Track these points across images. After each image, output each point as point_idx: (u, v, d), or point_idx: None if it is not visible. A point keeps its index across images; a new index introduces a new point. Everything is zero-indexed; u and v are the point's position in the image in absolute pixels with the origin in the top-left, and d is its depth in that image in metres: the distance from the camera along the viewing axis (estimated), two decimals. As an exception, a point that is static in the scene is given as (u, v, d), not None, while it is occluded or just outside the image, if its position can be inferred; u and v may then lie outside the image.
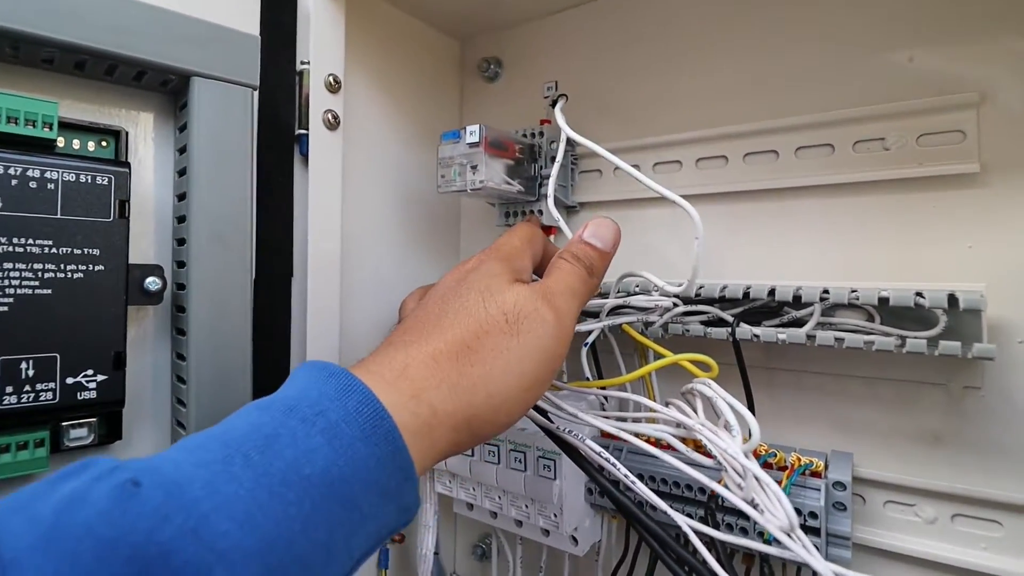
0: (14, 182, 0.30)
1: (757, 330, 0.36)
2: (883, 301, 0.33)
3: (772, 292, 0.36)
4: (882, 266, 0.39)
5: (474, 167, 0.44)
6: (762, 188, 0.43)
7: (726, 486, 0.28)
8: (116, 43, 0.32)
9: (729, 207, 0.45)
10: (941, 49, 0.37)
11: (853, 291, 0.33)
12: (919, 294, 0.32)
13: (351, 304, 0.48)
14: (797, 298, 0.35)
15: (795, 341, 0.35)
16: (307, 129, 0.43)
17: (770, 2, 0.43)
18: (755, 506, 0.25)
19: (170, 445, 0.37)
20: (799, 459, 0.36)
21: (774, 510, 0.25)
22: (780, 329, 0.36)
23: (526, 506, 0.43)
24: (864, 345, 0.33)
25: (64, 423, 0.32)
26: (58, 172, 0.31)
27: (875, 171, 0.39)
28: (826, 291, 0.34)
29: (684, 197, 0.46)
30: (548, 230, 0.51)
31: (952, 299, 0.31)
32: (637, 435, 0.32)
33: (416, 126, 0.56)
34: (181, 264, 0.36)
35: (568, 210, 0.53)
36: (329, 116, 0.44)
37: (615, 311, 0.41)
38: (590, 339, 0.42)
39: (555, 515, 0.41)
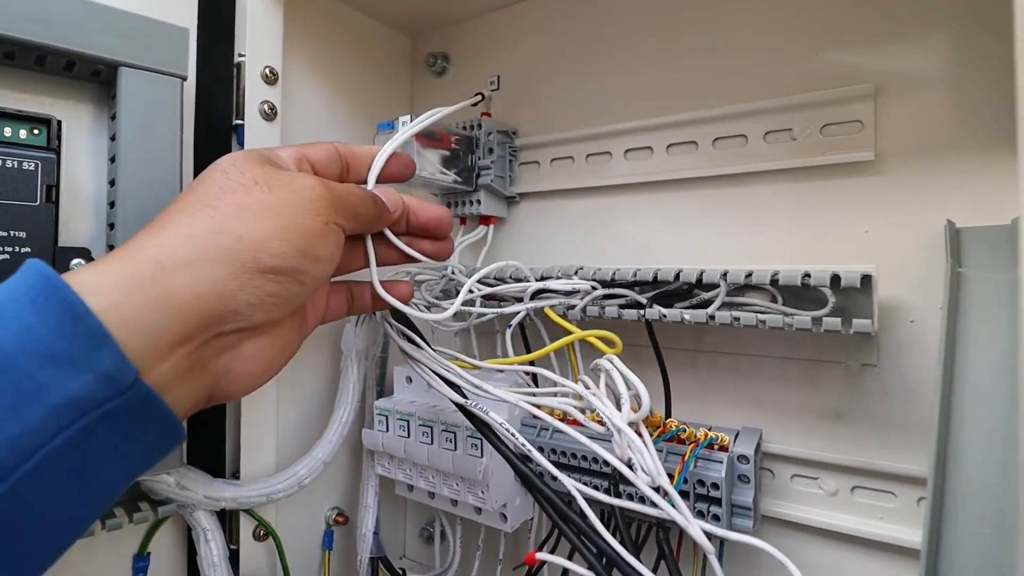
0: (-62, 166, 0.31)
1: (665, 311, 0.38)
2: (775, 281, 0.34)
3: (678, 275, 0.38)
4: (789, 250, 0.41)
5: (407, 157, 0.45)
6: (685, 177, 0.45)
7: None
8: (44, 34, 0.33)
9: (654, 195, 0.46)
10: (843, 44, 0.39)
11: (748, 273, 0.35)
12: (806, 274, 0.33)
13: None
14: (699, 280, 0.37)
15: (697, 320, 0.36)
16: (243, 119, 0.45)
17: (691, 2, 0.45)
18: (631, 467, 0.27)
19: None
20: (706, 433, 0.38)
21: (647, 469, 0.27)
22: (686, 310, 0.37)
23: (456, 484, 0.44)
24: (757, 323, 0.35)
25: (-10, 399, 0.33)
26: (-17, 157, 0.32)
27: (784, 160, 0.40)
28: (725, 272, 0.36)
29: (586, 188, 0.49)
30: (488, 219, 0.53)
31: (835, 279, 0.33)
32: (543, 408, 0.33)
33: (366, 120, 0.57)
34: (111, 248, 0.37)
35: (508, 201, 0.54)
36: (266, 107, 0.45)
37: (538, 295, 0.42)
38: (515, 321, 0.43)
39: (482, 492, 0.43)
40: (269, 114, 0.46)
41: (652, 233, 0.47)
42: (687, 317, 0.37)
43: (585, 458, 0.41)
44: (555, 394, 0.34)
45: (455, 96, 0.60)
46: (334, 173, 0.32)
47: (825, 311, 0.34)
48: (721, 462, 0.37)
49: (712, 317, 0.36)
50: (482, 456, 0.42)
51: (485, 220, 0.53)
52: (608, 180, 0.48)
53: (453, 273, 0.46)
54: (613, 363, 0.33)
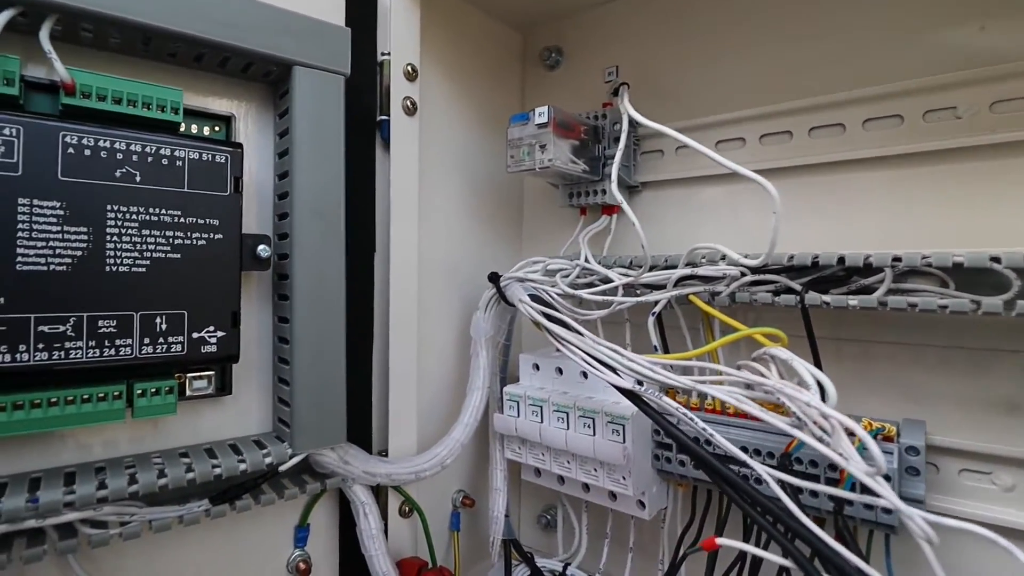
0: (150, 159, 0.34)
1: (827, 297, 0.37)
2: (957, 266, 0.33)
3: (842, 260, 0.37)
4: (953, 234, 0.39)
5: (543, 147, 0.46)
6: (829, 161, 0.43)
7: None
8: (233, 36, 0.36)
9: (794, 180, 0.45)
10: (1012, 17, 0.37)
11: (925, 256, 0.34)
12: (994, 258, 0.32)
13: (425, 279, 0.51)
14: (868, 265, 0.36)
15: (867, 306, 0.35)
16: (388, 115, 0.47)
17: (837, -22, 0.44)
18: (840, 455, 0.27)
19: (272, 400, 0.41)
20: (870, 424, 0.37)
21: (858, 457, 0.27)
22: (851, 295, 0.36)
23: (595, 469, 0.45)
24: (938, 309, 0.33)
25: (188, 374, 0.36)
26: (185, 151, 0.35)
27: (947, 140, 0.39)
28: (897, 257, 0.35)
29: (713, 175, 0.48)
30: (611, 209, 0.53)
31: (1031, 260, 0.31)
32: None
33: (481, 112, 0.58)
34: (283, 236, 0.40)
35: (630, 190, 0.54)
36: (408, 103, 0.47)
37: (682, 281, 0.42)
38: (657, 308, 0.43)
39: (624, 478, 0.43)
40: (410, 109, 0.47)
41: (790, 219, 0.45)
42: (853, 303, 0.36)
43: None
44: (724, 381, 0.33)
45: (568, 89, 0.61)
46: None
47: (1012, 294, 0.32)
48: (891, 453, 0.35)
49: (884, 303, 0.35)
50: (624, 441, 0.42)
51: (608, 210, 0.53)
52: (742, 167, 0.48)
53: (587, 261, 0.46)
54: (786, 352, 0.32)
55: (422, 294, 0.50)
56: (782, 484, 0.29)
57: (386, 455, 0.46)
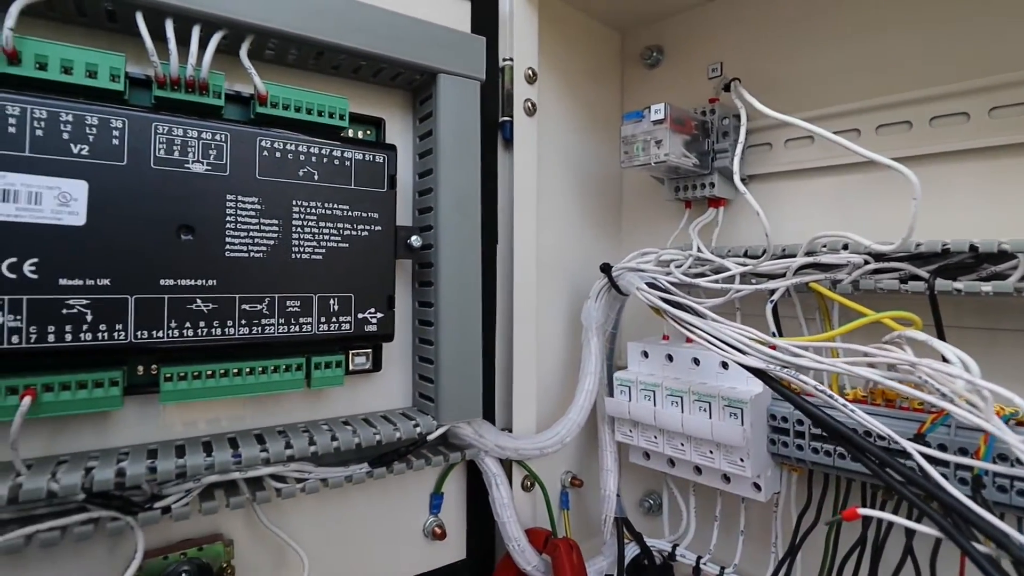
0: (325, 160, 0.39)
1: (958, 284, 0.37)
2: (1105, 249, 0.33)
3: (974, 247, 0.37)
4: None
5: (658, 142, 0.48)
6: (952, 150, 0.44)
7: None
8: (391, 49, 0.40)
9: (914, 170, 0.46)
10: None
11: (1069, 241, 0.34)
12: None
13: (540, 269, 0.54)
14: (1002, 251, 0.36)
15: (1001, 292, 0.36)
16: (511, 116, 0.50)
17: (961, -33, 0.44)
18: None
19: (414, 378, 0.46)
20: (1002, 408, 0.37)
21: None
22: (983, 282, 0.37)
23: (710, 451, 0.47)
24: (1083, 293, 0.33)
25: (352, 351, 0.41)
26: (352, 152, 0.40)
27: (1086, 126, 0.38)
28: (1038, 242, 0.35)
29: (824, 167, 0.48)
30: (718, 202, 0.55)
31: None
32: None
33: (586, 111, 0.61)
34: (424, 228, 0.44)
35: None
36: (528, 104, 0.51)
37: (801, 270, 0.43)
38: (775, 296, 0.45)
39: (742, 459, 0.45)
40: (531, 110, 0.51)
41: (900, 209, 0.46)
42: (986, 290, 0.36)
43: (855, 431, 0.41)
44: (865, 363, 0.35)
45: (667, 86, 0.63)
46: None
47: None
48: (1027, 437, 0.36)
49: (1020, 290, 0.35)
50: (742, 424, 0.44)
51: (715, 203, 0.55)
52: (857, 157, 0.48)
53: (699, 251, 0.48)
54: (921, 334, 0.33)
55: (537, 283, 0.53)
56: (929, 461, 0.30)
57: (510, 432, 0.50)
